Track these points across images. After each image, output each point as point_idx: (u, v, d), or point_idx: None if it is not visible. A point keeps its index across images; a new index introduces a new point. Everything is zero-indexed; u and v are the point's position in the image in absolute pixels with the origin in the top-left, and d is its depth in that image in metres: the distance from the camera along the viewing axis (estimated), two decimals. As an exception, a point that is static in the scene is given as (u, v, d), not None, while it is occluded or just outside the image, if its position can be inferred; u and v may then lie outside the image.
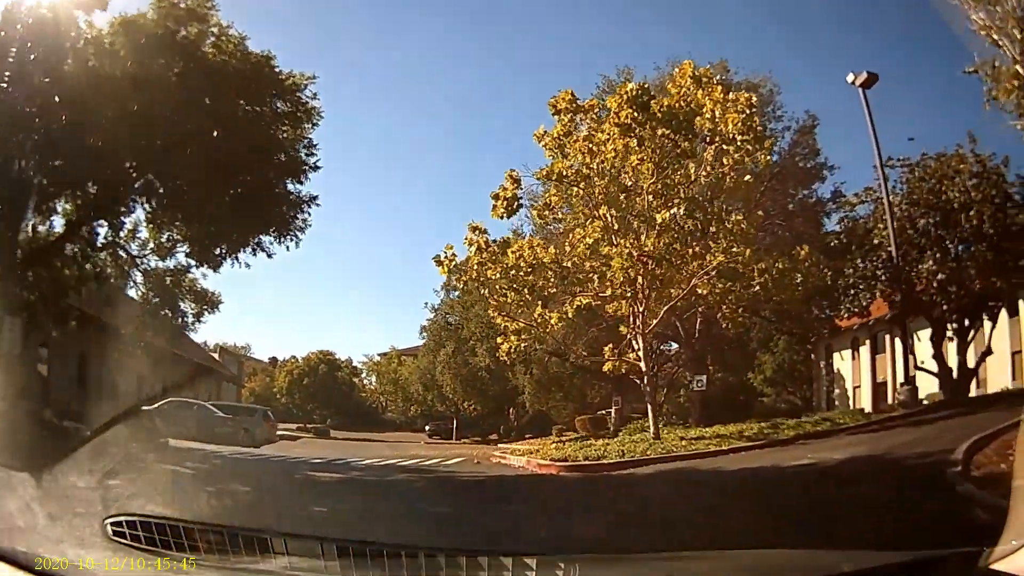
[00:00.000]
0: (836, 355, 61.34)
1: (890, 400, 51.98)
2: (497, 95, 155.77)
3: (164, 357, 48.61)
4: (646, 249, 29.21)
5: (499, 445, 61.86)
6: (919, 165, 35.36)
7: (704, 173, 30.41)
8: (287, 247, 33.39)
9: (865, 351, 57.85)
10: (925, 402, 35.59)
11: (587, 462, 26.91)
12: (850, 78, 36.68)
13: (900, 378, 52.51)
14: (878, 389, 55.29)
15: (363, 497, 21.50)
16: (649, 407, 32.28)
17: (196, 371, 63.40)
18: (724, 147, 29.69)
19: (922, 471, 17.10)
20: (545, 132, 31.86)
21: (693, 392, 45.30)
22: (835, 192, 45.82)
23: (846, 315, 38.60)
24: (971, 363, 35.92)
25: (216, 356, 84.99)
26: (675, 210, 29.26)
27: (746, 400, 54.66)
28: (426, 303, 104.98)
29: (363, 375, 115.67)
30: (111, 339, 37.73)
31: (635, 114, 28.96)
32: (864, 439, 25.88)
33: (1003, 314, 35.86)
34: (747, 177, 31.11)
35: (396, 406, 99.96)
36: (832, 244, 37.37)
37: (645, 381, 32.07)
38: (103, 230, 32.36)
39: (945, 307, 34.58)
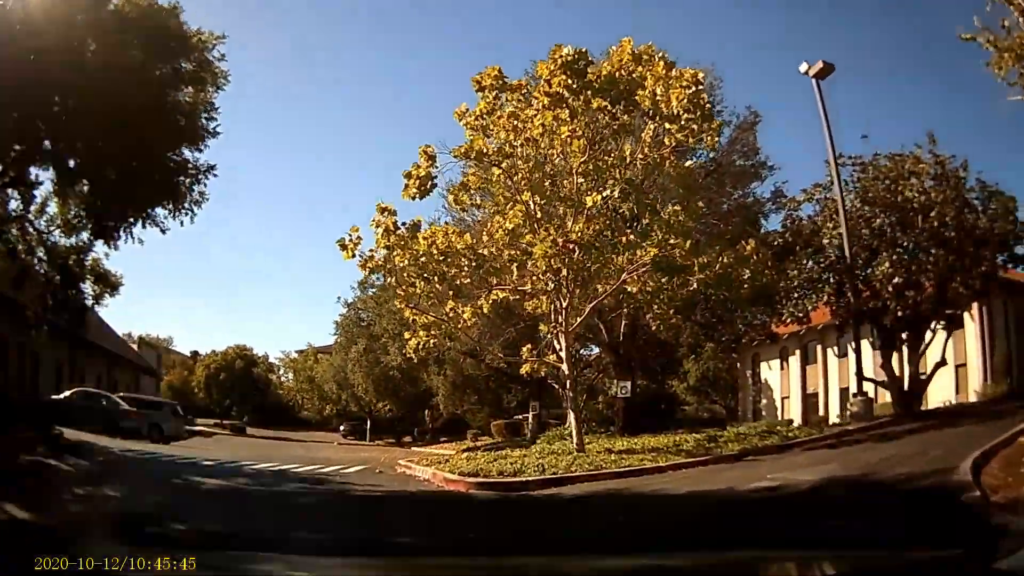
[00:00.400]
0: (764, 364, 60.83)
1: (821, 411, 51.84)
2: (423, 73, 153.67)
3: (76, 344, 47.75)
4: (572, 236, 25.16)
5: (412, 448, 61.64)
6: (872, 164, 32.66)
7: (641, 155, 26.24)
8: (181, 222, 29.93)
9: (795, 361, 57.28)
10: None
11: (502, 478, 22.64)
12: (803, 68, 32.99)
13: (834, 390, 50.87)
14: (808, 400, 55.31)
15: (225, 512, 17.35)
16: (571, 414, 28.65)
17: (110, 361, 63.19)
18: (667, 126, 25.37)
19: (929, 497, 13.25)
20: (467, 110, 27.73)
21: (616, 399, 41.77)
22: (776, 192, 42.46)
23: (789, 320, 35.15)
24: (922, 374, 33.17)
25: (135, 347, 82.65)
26: (607, 192, 25.24)
27: (668, 408, 52.66)
28: (339, 297, 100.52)
29: (280, 372, 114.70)
30: (21, 321, 35.15)
31: (569, 81, 24.86)
32: (827, 456, 22.08)
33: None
34: (688, 163, 27.96)
35: (312, 404, 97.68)
36: (776, 244, 33.59)
37: (567, 385, 28.53)
38: (14, 203, 29.76)
39: (900, 313, 31.32)
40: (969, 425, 23.41)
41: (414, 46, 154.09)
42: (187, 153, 29.55)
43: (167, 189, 29.07)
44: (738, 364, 63.32)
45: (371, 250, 27.55)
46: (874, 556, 5.62)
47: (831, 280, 32.55)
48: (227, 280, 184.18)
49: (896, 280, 29.83)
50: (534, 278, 27.27)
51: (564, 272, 25.97)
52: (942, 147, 30.89)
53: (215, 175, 30.05)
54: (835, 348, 52.63)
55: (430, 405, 72.05)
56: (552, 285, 26.93)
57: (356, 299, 75.70)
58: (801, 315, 33.78)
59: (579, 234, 25.02)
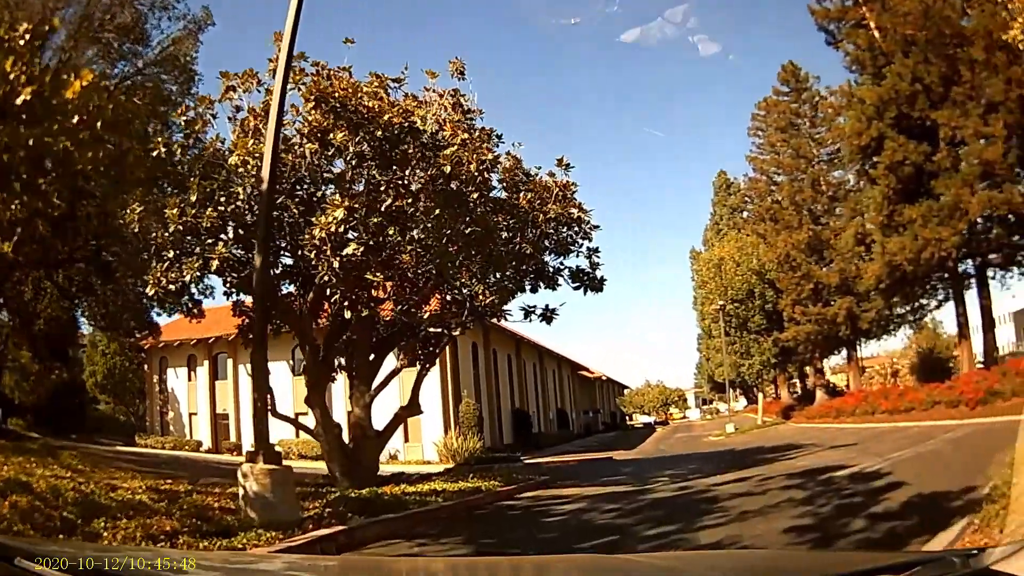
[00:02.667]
0: (172, 371, 45.56)
1: (233, 437, 41.06)
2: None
3: None
4: None
5: None
6: (344, 70, 16.84)
7: None
8: None
9: (204, 373, 43.97)
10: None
11: None
12: None
13: (247, 414, 37.34)
14: (218, 422, 43.43)
15: None
16: None
17: None
18: None
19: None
20: None
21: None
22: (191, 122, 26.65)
23: (163, 298, 17.84)
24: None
25: None
26: None
27: (82, 402, 42.96)
28: None
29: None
30: None
31: None
32: None
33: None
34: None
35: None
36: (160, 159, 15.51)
37: None
38: None
39: (349, 313, 16.84)
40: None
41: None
42: None
43: None
44: (146, 366, 47.15)
45: None
46: (871, 555, 4.98)
47: (231, 234, 16.10)
48: None
49: (352, 251, 14.15)
50: None
51: None
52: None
53: None
54: (248, 364, 38.88)
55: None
56: None
57: None
58: (187, 297, 17.51)
59: None
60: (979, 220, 32.84)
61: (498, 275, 17.51)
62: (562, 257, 19.22)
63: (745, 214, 67.57)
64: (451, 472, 23.92)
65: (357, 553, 9.66)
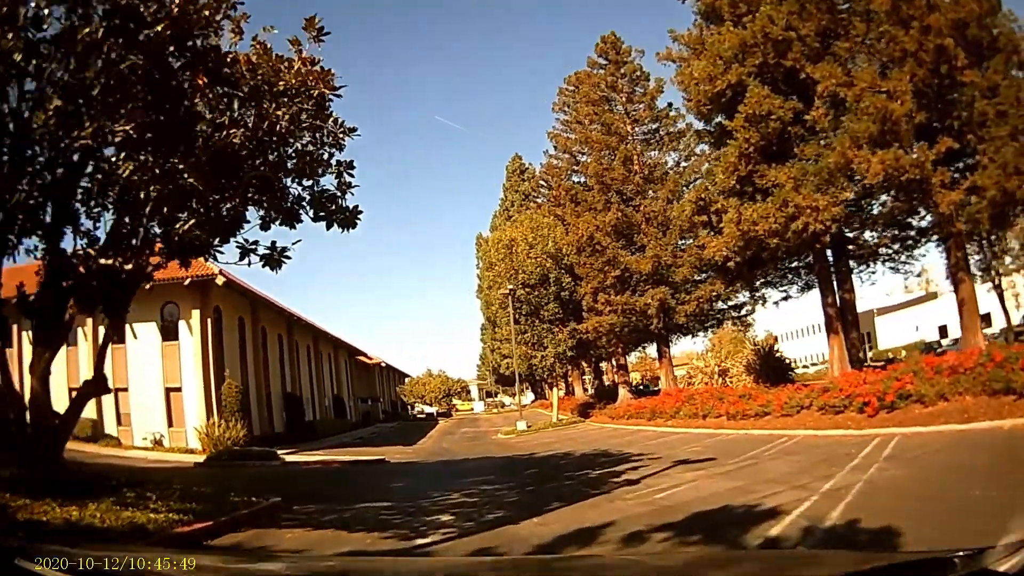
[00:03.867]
0: None
1: None
2: None
3: None
4: None
5: None
6: None
7: None
8: None
9: None
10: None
11: None
12: None
13: None
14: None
15: None
16: None
17: None
18: None
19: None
20: None
21: None
22: None
23: None
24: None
25: None
26: None
27: None
28: None
29: None
30: None
31: None
32: None
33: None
34: None
35: None
36: None
37: None
38: None
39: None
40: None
41: None
42: None
43: None
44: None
45: None
46: (872, 555, 4.73)
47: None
48: None
49: None
50: None
51: None
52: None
53: None
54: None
55: None
56: None
57: None
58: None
59: None
60: (853, 196, 27.65)
61: (171, 161, 10.77)
62: (305, 180, 12.96)
63: (540, 200, 60.89)
64: (201, 467, 22.24)
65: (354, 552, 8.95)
